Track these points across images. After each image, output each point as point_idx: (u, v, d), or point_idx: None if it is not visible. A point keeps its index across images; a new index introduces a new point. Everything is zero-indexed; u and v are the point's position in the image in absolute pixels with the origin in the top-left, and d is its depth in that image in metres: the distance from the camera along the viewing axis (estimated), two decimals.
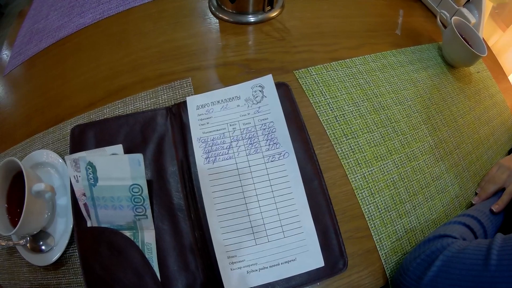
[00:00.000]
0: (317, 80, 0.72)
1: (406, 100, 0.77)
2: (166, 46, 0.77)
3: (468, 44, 0.91)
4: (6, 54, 0.93)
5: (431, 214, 0.67)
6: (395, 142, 0.70)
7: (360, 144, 0.67)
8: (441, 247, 0.57)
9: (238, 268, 0.52)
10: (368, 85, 0.76)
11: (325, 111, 0.68)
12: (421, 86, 0.82)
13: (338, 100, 0.70)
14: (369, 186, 0.64)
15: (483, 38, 1.05)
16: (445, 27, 0.95)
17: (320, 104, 0.68)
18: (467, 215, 0.70)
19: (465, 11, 1.04)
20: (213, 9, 0.83)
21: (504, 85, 1.13)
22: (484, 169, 0.81)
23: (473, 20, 1.04)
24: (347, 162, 0.64)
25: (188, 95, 0.66)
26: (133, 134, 0.60)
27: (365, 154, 0.66)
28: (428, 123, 0.77)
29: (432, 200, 0.69)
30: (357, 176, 0.64)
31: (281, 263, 0.53)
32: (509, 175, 0.80)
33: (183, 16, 0.83)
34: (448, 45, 0.95)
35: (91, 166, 0.53)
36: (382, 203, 0.63)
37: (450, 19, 0.93)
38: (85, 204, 0.54)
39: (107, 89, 0.71)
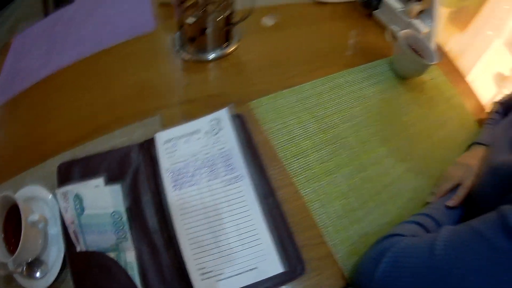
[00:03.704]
0: (268, 109, 0.90)
1: (355, 117, 0.95)
2: (137, 86, 0.93)
3: (419, 54, 1.07)
4: None
5: (385, 218, 0.82)
6: (344, 157, 0.87)
7: (309, 162, 0.84)
8: (389, 245, 0.68)
9: (208, 278, 0.67)
10: (316, 107, 0.94)
11: (276, 136, 0.86)
12: (370, 102, 1.00)
13: (288, 125, 0.89)
14: (320, 199, 0.80)
15: (438, 44, 1.21)
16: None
17: (271, 130, 0.86)
18: (420, 214, 0.81)
19: (416, 22, 1.20)
20: (177, 49, 1.00)
21: (462, 87, 1.30)
22: (441, 170, 0.94)
23: (425, 30, 1.19)
24: (298, 180, 0.81)
25: (157, 131, 0.82)
26: (111, 168, 0.77)
27: (314, 170, 0.83)
28: (377, 135, 0.93)
29: (385, 205, 0.83)
30: (308, 190, 0.80)
31: (245, 271, 0.67)
32: (465, 171, 0.91)
33: (151, 57, 1.00)
34: (398, 58, 1.12)
35: (78, 197, 0.70)
36: (334, 213, 0.79)
37: (402, 32, 1.09)
38: (74, 231, 0.69)
39: (87, 127, 0.85)
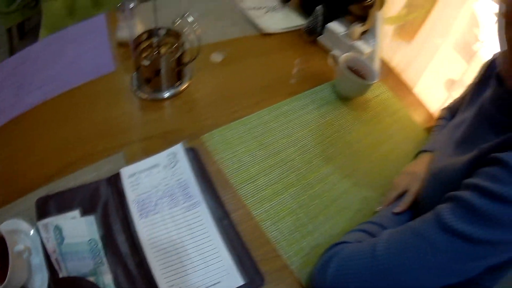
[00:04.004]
0: (219, 141, 1.06)
1: (300, 140, 1.13)
2: (102, 124, 1.06)
3: (361, 74, 1.27)
4: None
5: (335, 229, 0.96)
6: (291, 178, 1.03)
7: (259, 186, 0.99)
8: (334, 252, 0.79)
9: None
10: (263, 136, 1.11)
11: (227, 165, 1.01)
12: (314, 125, 1.19)
13: (237, 153, 1.04)
14: (271, 217, 0.94)
15: (383, 61, 1.38)
16: None
17: (222, 160, 1.02)
18: (367, 222, 0.92)
19: (359, 44, 1.40)
20: (134, 89, 1.15)
21: (409, 99, 1.49)
22: (389, 181, 1.06)
23: (367, 50, 1.40)
24: (250, 202, 0.96)
25: (122, 167, 0.94)
26: (84, 201, 0.88)
27: (264, 193, 0.98)
28: (322, 156, 1.11)
29: (334, 218, 0.98)
30: (260, 211, 0.95)
31: (210, 286, 0.81)
32: (411, 179, 1.03)
33: (113, 97, 1.14)
34: (339, 81, 1.31)
35: (57, 228, 0.82)
36: (285, 229, 0.93)
37: (342, 56, 1.26)
38: (56, 259, 0.78)
39: (59, 164, 0.96)
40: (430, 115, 1.52)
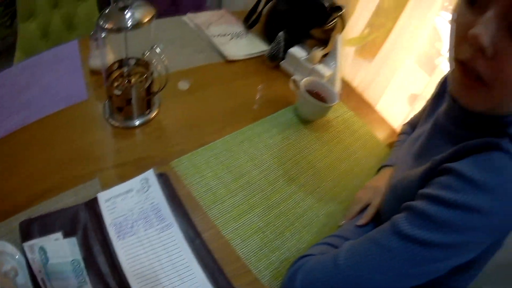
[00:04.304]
0: (188, 166, 1.16)
1: (263, 163, 1.25)
2: (79, 151, 1.14)
3: (322, 97, 1.41)
4: None
5: (301, 244, 1.07)
6: (256, 199, 1.15)
7: (226, 207, 1.10)
8: (300, 265, 0.87)
9: None
10: (228, 160, 1.22)
11: (196, 188, 1.12)
12: (276, 148, 1.32)
13: (205, 178, 1.15)
14: (240, 236, 1.04)
15: (345, 82, 1.52)
16: None
17: (192, 184, 1.12)
18: (331, 235, 1.01)
19: (320, 67, 1.57)
20: (107, 117, 1.24)
21: (371, 117, 1.65)
22: (352, 196, 1.21)
23: (328, 73, 1.55)
24: (219, 222, 1.05)
25: (99, 192, 1.03)
26: (65, 224, 0.95)
27: (232, 213, 1.09)
28: (285, 176, 1.23)
29: (300, 233, 1.10)
30: (228, 230, 1.04)
31: None
32: (373, 193, 1.13)
33: (88, 124, 1.22)
34: (300, 105, 1.44)
35: (42, 249, 0.88)
36: (254, 245, 1.03)
37: (303, 80, 1.38)
38: (42, 279, 0.83)
39: (40, 188, 1.03)
40: (393, 131, 1.67)
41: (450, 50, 0.76)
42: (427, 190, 0.77)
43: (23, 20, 2.04)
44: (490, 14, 0.64)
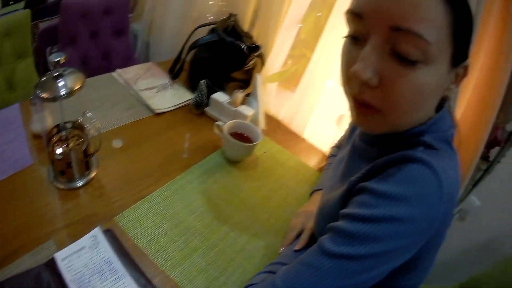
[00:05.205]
0: (130, 219, 1.27)
1: (198, 208, 1.37)
2: (33, 214, 1.23)
3: (246, 137, 1.54)
4: None
5: (245, 276, 1.18)
6: (196, 241, 1.25)
7: (169, 253, 1.20)
8: None
9: None
10: (165, 210, 1.34)
11: (141, 239, 1.22)
12: (209, 192, 1.44)
13: (147, 228, 1.26)
14: (186, 277, 1.14)
15: (269, 117, 1.76)
16: None
17: (136, 236, 1.22)
18: (271, 263, 1.10)
19: (242, 108, 1.70)
20: (51, 180, 1.33)
21: (300, 146, 1.82)
22: (288, 224, 1.33)
23: (250, 113, 1.68)
24: (165, 268, 1.15)
25: (55, 252, 1.09)
26: (31, 285, 1.03)
27: (176, 258, 1.19)
28: (220, 216, 1.35)
29: (242, 267, 1.21)
30: (175, 274, 1.15)
31: None
32: (305, 218, 1.23)
33: (35, 189, 1.32)
34: (226, 148, 1.56)
35: None
36: (201, 284, 1.14)
37: (226, 124, 1.49)
38: None
39: (6, 251, 1.11)
40: (323, 155, 1.85)
41: (342, 86, 0.84)
42: (346, 210, 0.84)
43: None
44: (367, 48, 0.71)
